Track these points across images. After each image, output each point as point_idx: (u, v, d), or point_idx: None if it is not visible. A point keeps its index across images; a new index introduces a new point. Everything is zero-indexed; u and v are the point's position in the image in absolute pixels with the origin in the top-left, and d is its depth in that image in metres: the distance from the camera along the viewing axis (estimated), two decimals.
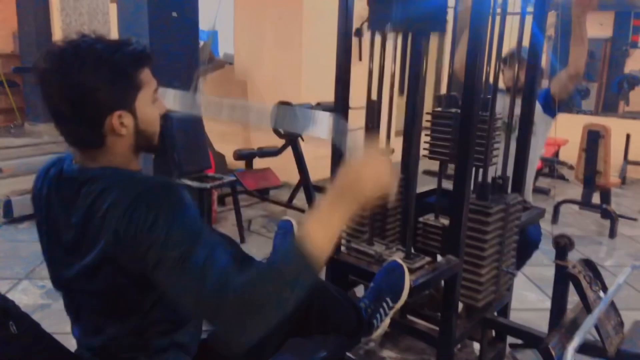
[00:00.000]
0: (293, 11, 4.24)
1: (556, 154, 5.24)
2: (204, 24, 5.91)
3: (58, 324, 1.17)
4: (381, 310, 1.26)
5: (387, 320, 1.30)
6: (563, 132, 5.15)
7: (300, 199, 3.77)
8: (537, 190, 4.79)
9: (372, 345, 2.06)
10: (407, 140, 1.81)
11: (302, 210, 3.63)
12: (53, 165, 0.98)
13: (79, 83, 0.86)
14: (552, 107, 2.22)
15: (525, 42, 1.75)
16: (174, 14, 2.87)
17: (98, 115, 0.89)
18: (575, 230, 3.77)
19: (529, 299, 2.68)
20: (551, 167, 5.24)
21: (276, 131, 3.66)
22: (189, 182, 2.89)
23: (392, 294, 1.26)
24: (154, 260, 0.82)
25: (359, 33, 4.05)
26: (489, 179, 1.62)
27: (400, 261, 1.29)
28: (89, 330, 0.97)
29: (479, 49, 1.34)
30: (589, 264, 1.53)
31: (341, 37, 1.64)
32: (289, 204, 3.72)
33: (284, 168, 4.03)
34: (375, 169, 0.89)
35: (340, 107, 1.69)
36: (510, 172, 1.73)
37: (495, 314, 1.87)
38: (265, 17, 4.55)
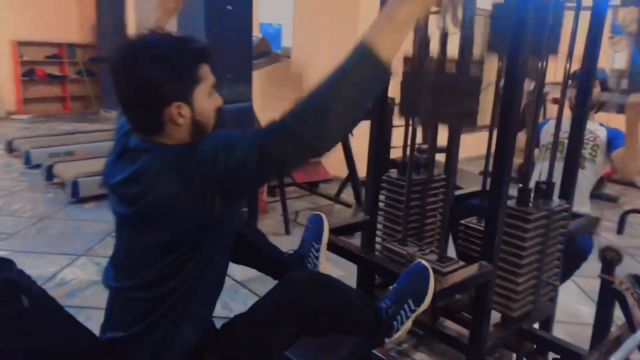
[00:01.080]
0: (350, 7, 4.21)
1: None
2: (269, 18, 6.02)
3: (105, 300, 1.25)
4: (402, 312, 1.23)
5: (409, 323, 1.26)
6: None
7: (348, 194, 3.77)
8: (605, 198, 4.49)
9: (405, 347, 2.02)
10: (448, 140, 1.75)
11: (348, 205, 3.62)
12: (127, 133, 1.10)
13: (144, 75, 0.96)
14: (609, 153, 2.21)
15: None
16: (229, 7, 2.94)
17: (159, 105, 0.98)
18: None
19: (581, 313, 2.51)
20: None
21: None
22: None
23: (414, 297, 1.22)
24: (216, 163, 0.94)
25: None
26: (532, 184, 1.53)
27: (425, 263, 1.25)
28: (121, 275, 1.08)
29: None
30: (639, 280, 1.41)
31: None
32: (335, 198, 3.72)
33: (334, 162, 4.03)
34: None
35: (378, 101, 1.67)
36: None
37: (538, 325, 1.78)
38: (323, 13, 4.56)
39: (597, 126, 2.26)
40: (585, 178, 2.21)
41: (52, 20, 7.56)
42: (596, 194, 4.54)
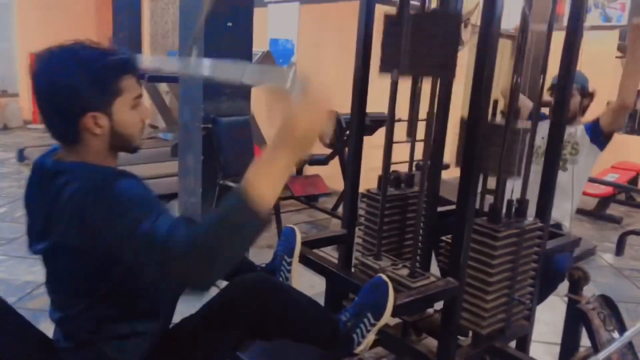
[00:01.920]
0: (353, 24, 4.27)
1: (633, 180, 4.81)
2: (278, 34, 6.12)
3: None
4: (362, 325, 1.24)
5: (371, 337, 1.27)
6: None
7: None
8: (607, 219, 4.43)
9: None
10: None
11: None
12: (47, 155, 1.10)
13: (60, 83, 0.97)
14: (601, 140, 2.12)
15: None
16: (229, 24, 3.02)
17: (74, 114, 0.98)
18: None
19: None
20: (627, 194, 4.81)
21: (322, 140, 3.71)
22: (231, 184, 3.01)
23: (374, 310, 1.24)
24: (108, 240, 0.91)
25: None
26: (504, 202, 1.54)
27: (385, 277, 1.26)
28: (55, 305, 1.08)
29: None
30: (607, 301, 1.41)
31: (360, 48, 1.65)
32: (332, 212, 3.74)
33: (333, 176, 4.06)
34: (311, 113, 0.91)
35: (356, 115, 1.70)
36: None
37: (515, 344, 1.76)
38: (326, 29, 4.63)
39: (577, 128, 2.22)
40: (567, 181, 2.15)
41: (70, 34, 7.74)
42: (598, 215, 4.49)
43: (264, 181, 0.88)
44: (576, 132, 2.21)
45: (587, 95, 2.26)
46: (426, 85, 1.52)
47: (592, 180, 4.58)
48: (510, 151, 1.51)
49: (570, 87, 1.64)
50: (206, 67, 1.16)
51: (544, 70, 1.57)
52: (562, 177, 1.79)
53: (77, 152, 1.03)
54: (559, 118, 1.65)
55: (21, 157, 5.21)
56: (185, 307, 1.20)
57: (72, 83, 0.97)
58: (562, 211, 2.14)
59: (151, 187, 1.04)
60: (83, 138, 1.01)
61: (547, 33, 1.54)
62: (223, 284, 1.18)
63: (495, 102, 1.57)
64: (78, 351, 1.07)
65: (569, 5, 1.58)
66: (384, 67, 1.42)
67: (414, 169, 1.84)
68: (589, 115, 2.36)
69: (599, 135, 2.16)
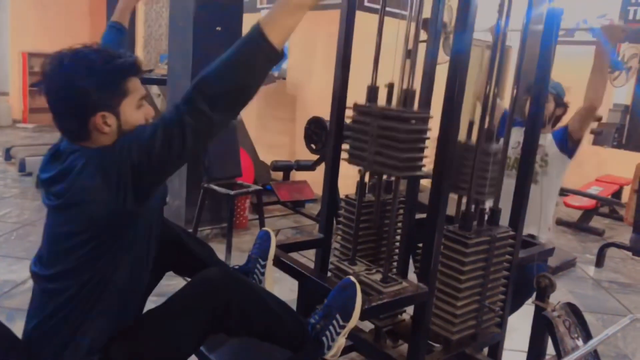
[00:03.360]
0: None
1: (617, 193, 4.87)
2: None
3: None
4: (331, 327, 1.25)
5: (341, 340, 1.28)
6: (627, 171, 4.78)
7: None
8: (589, 231, 4.48)
9: None
10: None
11: None
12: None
13: (72, 85, 1.03)
14: (569, 147, 2.13)
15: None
16: (218, 29, 3.04)
17: (85, 114, 1.05)
18: (620, 277, 3.47)
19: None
20: (610, 207, 4.87)
21: (309, 146, 3.73)
22: (215, 187, 3.02)
23: (342, 312, 1.25)
24: (132, 151, 1.01)
25: None
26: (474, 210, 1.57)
27: (353, 279, 1.28)
28: (41, 263, 1.15)
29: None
30: (573, 309, 1.43)
31: (340, 56, 1.68)
32: (317, 218, 3.75)
33: (320, 182, 4.07)
34: None
35: (335, 122, 1.73)
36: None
37: (487, 351, 1.78)
38: (316, 35, 4.67)
39: (545, 138, 2.22)
40: (540, 194, 2.18)
41: (64, 35, 7.78)
42: (581, 227, 4.54)
43: (277, 19, 1.00)
44: (545, 140, 2.22)
45: (561, 105, 2.28)
46: None
47: (576, 192, 4.65)
48: (481, 173, 1.53)
49: (544, 98, 1.67)
50: None
51: (517, 81, 1.60)
52: (533, 191, 1.81)
53: (86, 145, 1.09)
54: (534, 127, 1.69)
55: (7, 156, 5.18)
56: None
57: (84, 85, 1.03)
58: (536, 225, 2.17)
59: None
60: (92, 136, 1.08)
61: (520, 45, 1.57)
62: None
63: (471, 124, 1.61)
64: (40, 339, 1.09)
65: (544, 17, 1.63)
66: (352, 161, 1.50)
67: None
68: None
69: (567, 142, 2.17)
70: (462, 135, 1.53)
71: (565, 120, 2.28)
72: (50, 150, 1.17)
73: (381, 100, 1.53)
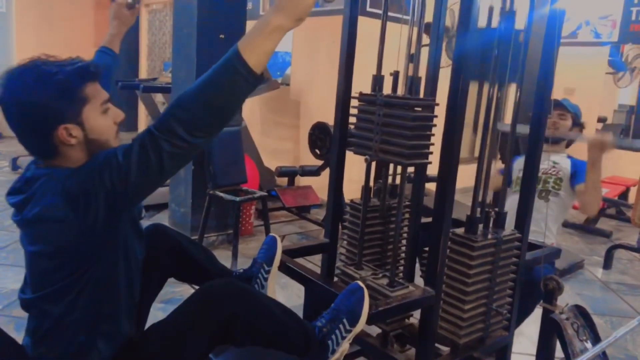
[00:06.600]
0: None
1: (623, 194, 4.84)
2: (284, 47, 6.17)
3: None
4: (337, 331, 1.25)
5: (346, 345, 1.28)
6: (633, 172, 4.76)
7: None
8: (596, 233, 4.45)
9: None
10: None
11: None
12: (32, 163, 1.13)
13: (27, 101, 0.98)
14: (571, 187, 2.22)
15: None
16: (222, 36, 3.06)
17: (46, 129, 1.00)
18: (628, 279, 3.45)
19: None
20: (617, 209, 4.84)
21: (313, 151, 3.74)
22: (220, 194, 3.03)
23: (349, 316, 1.25)
24: (104, 173, 0.96)
25: None
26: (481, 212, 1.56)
27: (361, 284, 1.28)
28: (28, 287, 1.13)
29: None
30: (581, 311, 1.42)
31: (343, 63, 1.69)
32: (322, 222, 3.76)
33: (325, 187, 4.07)
34: None
35: (339, 127, 1.73)
36: None
37: (494, 355, 1.77)
38: (319, 42, 4.69)
39: (563, 158, 2.28)
40: (551, 212, 2.22)
41: (69, 45, 7.84)
42: (588, 229, 4.51)
43: (255, 42, 0.96)
44: (561, 161, 2.27)
45: (578, 125, 2.32)
46: None
47: None
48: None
49: (549, 93, 1.66)
50: None
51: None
52: (543, 207, 1.83)
53: (58, 163, 1.05)
54: (535, 137, 1.68)
55: (14, 166, 5.22)
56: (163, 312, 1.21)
57: (39, 99, 0.97)
58: (541, 236, 2.19)
59: None
60: (60, 151, 1.03)
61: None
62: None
63: None
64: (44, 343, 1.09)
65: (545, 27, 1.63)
66: (357, 150, 1.51)
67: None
68: (575, 150, 2.42)
69: (575, 181, 2.23)
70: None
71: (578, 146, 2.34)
72: (16, 182, 1.13)
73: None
